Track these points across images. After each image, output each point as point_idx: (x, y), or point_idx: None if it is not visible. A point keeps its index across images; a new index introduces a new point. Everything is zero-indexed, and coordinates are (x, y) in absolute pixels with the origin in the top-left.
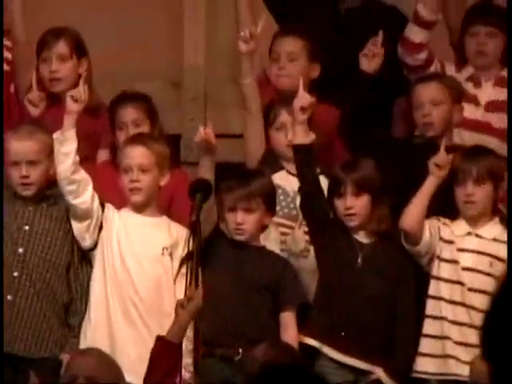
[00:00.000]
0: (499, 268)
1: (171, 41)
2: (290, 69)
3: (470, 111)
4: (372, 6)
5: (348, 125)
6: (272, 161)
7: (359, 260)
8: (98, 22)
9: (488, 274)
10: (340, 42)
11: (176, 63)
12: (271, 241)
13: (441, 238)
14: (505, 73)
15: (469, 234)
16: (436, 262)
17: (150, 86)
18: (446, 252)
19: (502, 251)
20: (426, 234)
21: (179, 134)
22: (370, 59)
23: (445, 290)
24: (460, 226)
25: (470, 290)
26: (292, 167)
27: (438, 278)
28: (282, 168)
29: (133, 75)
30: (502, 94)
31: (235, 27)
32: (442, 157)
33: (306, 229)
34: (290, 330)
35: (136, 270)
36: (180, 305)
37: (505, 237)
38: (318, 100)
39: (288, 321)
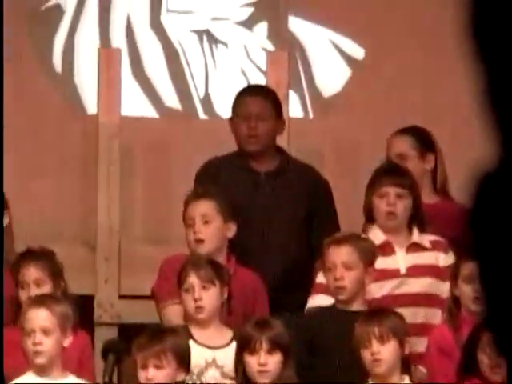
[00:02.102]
0: None
1: (85, 202)
2: (206, 232)
3: (390, 287)
4: (288, 167)
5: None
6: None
7: None
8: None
9: None
10: (259, 200)
11: (90, 224)
12: None
13: None
14: (416, 239)
15: None
16: None
17: (64, 246)
18: None
19: None
20: None
21: (92, 295)
22: None
23: None
24: None
25: None
26: (200, 335)
27: None
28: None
29: (46, 235)
30: (418, 259)
31: (149, 190)
32: None
33: None
34: None
35: None
36: None
37: None
38: (239, 262)
39: None
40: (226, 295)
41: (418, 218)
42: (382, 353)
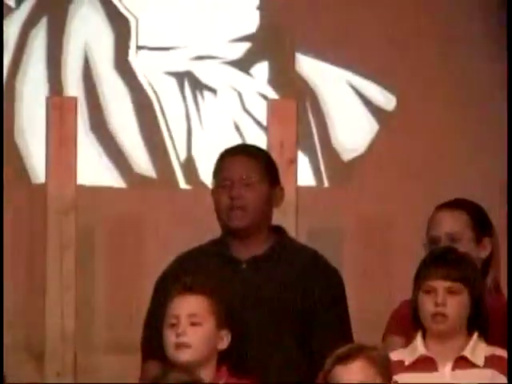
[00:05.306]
0: None
1: (31, 300)
2: (192, 336)
3: None
4: (282, 251)
5: None
6: None
7: None
8: None
9: None
10: (238, 295)
11: (36, 329)
12: None
13: None
14: (467, 353)
15: None
16: None
17: (5, 357)
18: None
19: None
20: None
21: None
22: None
23: None
24: None
25: None
26: None
27: None
28: None
29: None
30: (465, 379)
31: (114, 283)
32: None
33: None
34: None
35: None
36: None
37: None
38: (234, 375)
39: None
40: None
41: (479, 320)
42: None
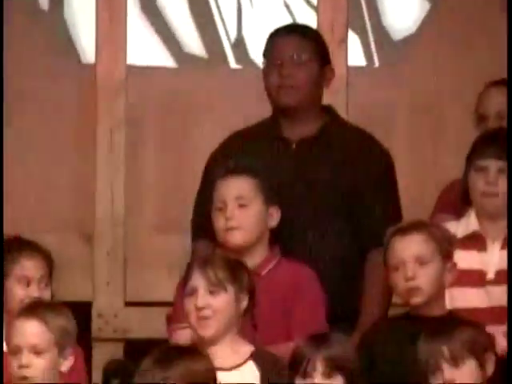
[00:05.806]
0: None
1: (80, 181)
2: (241, 218)
3: (471, 297)
4: (332, 131)
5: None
6: None
7: None
8: None
9: None
10: (288, 176)
11: (86, 208)
12: None
13: None
14: None
15: None
16: None
17: (52, 236)
18: None
19: None
20: None
21: (89, 302)
22: None
23: None
24: None
25: None
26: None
27: None
28: None
29: (26, 222)
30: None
31: (164, 164)
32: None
33: None
34: None
35: None
36: None
37: None
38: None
39: None
40: (245, 304)
41: None
42: (457, 380)
